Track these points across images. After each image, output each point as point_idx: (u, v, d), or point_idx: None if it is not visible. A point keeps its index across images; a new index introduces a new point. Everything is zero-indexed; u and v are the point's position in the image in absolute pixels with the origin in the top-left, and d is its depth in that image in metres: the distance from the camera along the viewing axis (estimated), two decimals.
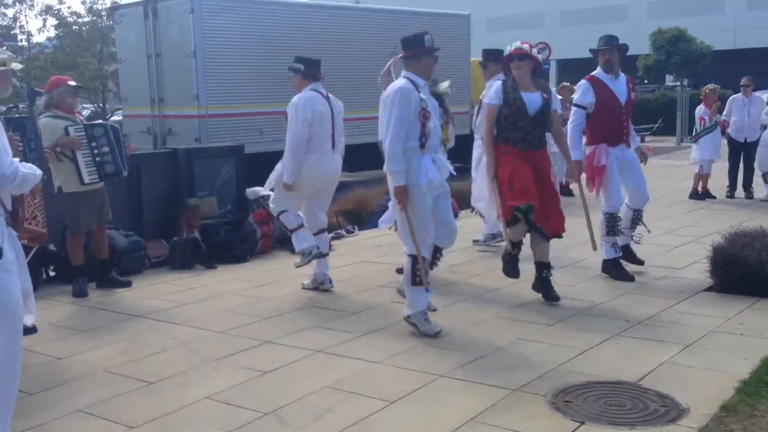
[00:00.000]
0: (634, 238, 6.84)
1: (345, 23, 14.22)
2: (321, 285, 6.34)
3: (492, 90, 5.85)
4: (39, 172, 3.33)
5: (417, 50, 5.02)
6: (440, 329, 5.03)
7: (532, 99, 5.63)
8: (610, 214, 6.51)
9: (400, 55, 5.13)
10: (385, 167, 4.95)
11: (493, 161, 5.72)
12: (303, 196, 6.22)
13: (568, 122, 6.58)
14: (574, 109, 6.54)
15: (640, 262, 6.76)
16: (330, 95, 6.18)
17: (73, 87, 6.40)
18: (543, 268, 5.79)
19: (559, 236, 5.78)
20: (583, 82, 6.54)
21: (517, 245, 5.85)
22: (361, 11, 15.59)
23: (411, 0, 47.51)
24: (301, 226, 6.24)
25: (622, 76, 6.62)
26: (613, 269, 6.53)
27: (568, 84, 12.70)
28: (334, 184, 6.40)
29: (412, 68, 5.04)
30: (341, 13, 14.58)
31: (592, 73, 6.57)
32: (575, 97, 6.68)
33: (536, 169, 5.67)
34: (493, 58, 7.46)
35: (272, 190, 6.45)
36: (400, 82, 4.99)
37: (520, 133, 5.64)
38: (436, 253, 5.75)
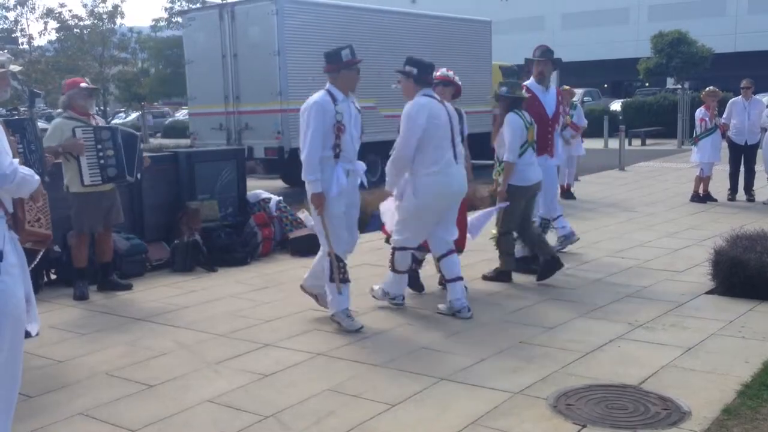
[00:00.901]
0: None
1: (398, 26, 15.43)
2: (458, 313, 5.55)
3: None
4: (38, 177, 3.33)
5: (335, 64, 5.28)
6: (362, 326, 5.30)
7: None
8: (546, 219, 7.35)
9: (323, 69, 5.37)
10: (302, 175, 5.22)
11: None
12: (430, 220, 5.55)
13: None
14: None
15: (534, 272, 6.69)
16: (445, 102, 5.64)
17: (86, 89, 6.44)
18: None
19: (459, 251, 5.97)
20: None
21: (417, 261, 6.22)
22: (411, 16, 16.90)
23: (415, 4, 47.68)
24: (407, 271, 5.78)
25: (553, 88, 7.13)
26: (522, 265, 6.83)
27: (568, 87, 12.71)
28: (459, 201, 5.75)
29: (332, 82, 5.30)
30: (396, 17, 15.85)
31: (525, 83, 6.95)
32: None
33: None
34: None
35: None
36: (316, 96, 5.25)
37: None
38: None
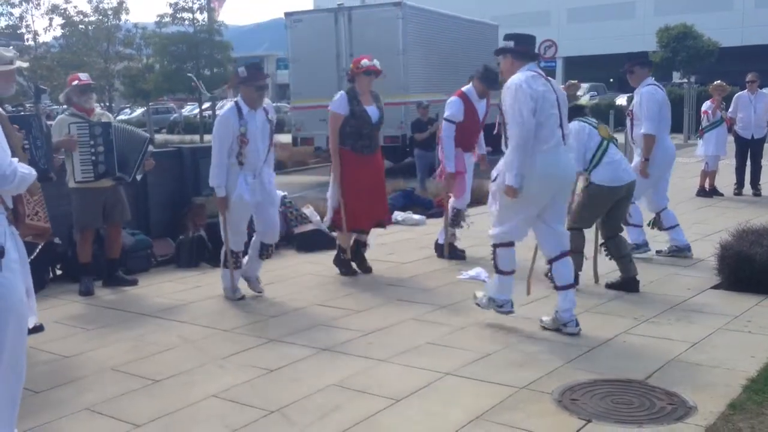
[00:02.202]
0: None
1: (473, 33, 18.38)
2: (565, 327, 4.97)
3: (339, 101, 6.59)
4: (34, 172, 3.33)
5: (238, 79, 5.83)
6: (242, 296, 6.04)
7: (373, 110, 6.60)
8: (458, 210, 7.48)
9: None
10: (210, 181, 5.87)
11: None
12: (534, 208, 4.88)
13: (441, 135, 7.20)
14: (445, 123, 7.16)
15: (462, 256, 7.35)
16: (550, 78, 4.99)
17: (79, 87, 6.39)
18: (361, 245, 6.92)
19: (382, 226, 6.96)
20: (454, 98, 7.20)
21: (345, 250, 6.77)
22: (477, 24, 19.67)
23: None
24: (513, 272, 5.12)
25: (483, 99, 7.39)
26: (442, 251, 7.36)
27: (575, 81, 12.66)
28: (569, 188, 5.20)
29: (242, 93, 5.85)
30: (475, 25, 19.17)
31: (464, 89, 7.26)
32: (446, 112, 7.22)
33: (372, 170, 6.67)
34: (641, 61, 7.31)
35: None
36: (225, 107, 5.92)
37: (365, 139, 6.59)
38: (264, 249, 6.18)
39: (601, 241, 6.31)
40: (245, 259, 6.15)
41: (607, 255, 6.22)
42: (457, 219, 7.46)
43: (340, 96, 6.63)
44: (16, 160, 3.22)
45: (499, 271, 5.10)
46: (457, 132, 7.12)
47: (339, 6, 15.10)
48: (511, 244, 5.04)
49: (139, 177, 6.66)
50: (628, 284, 6.03)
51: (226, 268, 6.07)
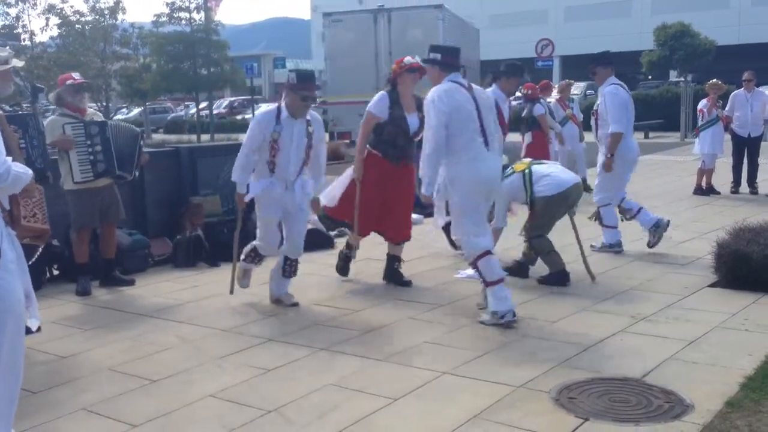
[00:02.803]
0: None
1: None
2: (502, 318, 5.12)
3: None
4: (30, 171, 3.32)
5: (287, 84, 5.54)
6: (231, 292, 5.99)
7: (413, 120, 6.15)
8: None
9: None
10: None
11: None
12: (472, 212, 5.14)
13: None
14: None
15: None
16: (474, 86, 5.35)
17: (73, 86, 6.35)
18: (395, 260, 6.47)
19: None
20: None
21: (352, 248, 6.56)
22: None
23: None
24: (502, 280, 5.15)
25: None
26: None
27: (573, 82, 12.70)
28: (497, 190, 5.54)
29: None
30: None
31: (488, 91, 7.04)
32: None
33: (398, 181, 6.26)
34: (603, 61, 7.47)
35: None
36: (263, 108, 5.75)
37: (398, 149, 6.19)
38: (287, 264, 5.82)
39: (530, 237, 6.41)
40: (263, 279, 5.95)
41: (531, 252, 6.43)
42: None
43: (381, 97, 6.14)
44: (10, 159, 3.21)
45: (488, 284, 5.13)
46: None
47: (379, 7, 16.11)
48: (487, 252, 5.12)
49: (136, 174, 6.65)
50: (558, 277, 6.19)
51: (243, 261, 5.97)
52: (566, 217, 6.44)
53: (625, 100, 7.20)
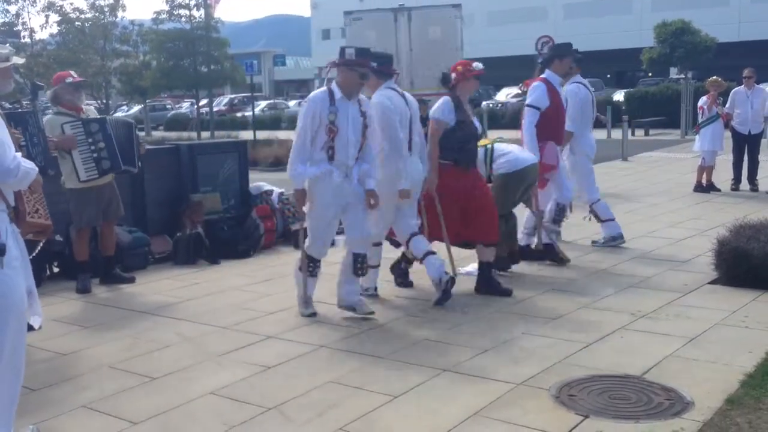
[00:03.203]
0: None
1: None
2: (440, 284, 5.60)
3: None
4: (36, 167, 3.33)
5: (342, 60, 5.28)
6: (313, 312, 5.48)
7: (477, 122, 6.22)
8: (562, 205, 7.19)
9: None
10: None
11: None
12: (393, 207, 5.65)
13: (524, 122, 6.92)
14: (529, 110, 6.81)
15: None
16: (405, 93, 5.76)
17: (72, 84, 6.32)
18: (489, 267, 6.03)
19: (492, 244, 6.01)
20: (538, 83, 6.91)
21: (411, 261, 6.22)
22: None
23: None
24: (432, 252, 5.68)
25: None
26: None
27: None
28: (417, 192, 5.79)
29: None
30: None
31: (543, 75, 6.97)
32: (529, 98, 6.92)
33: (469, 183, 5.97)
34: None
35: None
36: (316, 91, 5.44)
37: (468, 153, 5.99)
38: (356, 261, 5.44)
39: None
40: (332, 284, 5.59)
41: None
42: (560, 215, 7.09)
43: (445, 102, 5.87)
44: (19, 154, 3.22)
45: (425, 255, 5.62)
46: (542, 121, 6.69)
47: (400, 6, 16.49)
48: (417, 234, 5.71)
49: (139, 165, 6.62)
50: (499, 262, 6.26)
51: (300, 272, 5.48)
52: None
53: (584, 99, 7.32)
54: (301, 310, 5.49)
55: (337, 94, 5.22)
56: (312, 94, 5.39)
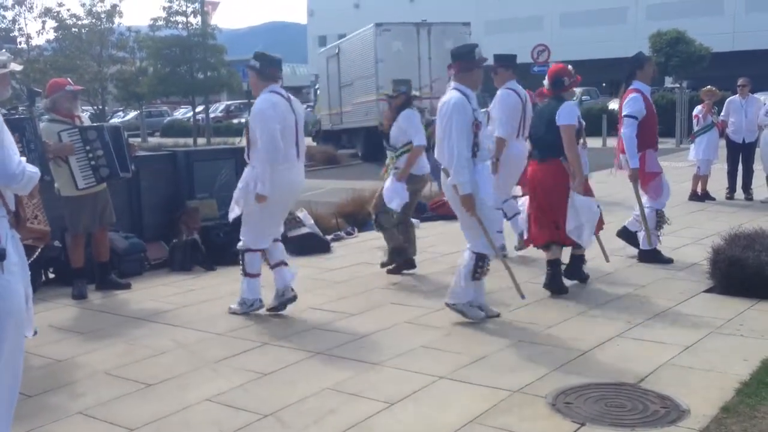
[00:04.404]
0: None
1: None
2: (283, 296, 5.73)
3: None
4: (39, 173, 3.34)
5: (472, 63, 5.30)
6: (486, 314, 5.44)
7: None
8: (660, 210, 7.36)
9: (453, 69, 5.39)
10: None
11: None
12: (278, 215, 5.76)
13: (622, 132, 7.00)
14: (628, 120, 6.92)
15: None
16: (291, 97, 5.66)
17: (71, 92, 6.30)
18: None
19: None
20: (635, 95, 6.95)
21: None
22: None
23: (413, 4, 47.48)
24: (258, 275, 5.74)
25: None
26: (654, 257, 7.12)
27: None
28: (296, 198, 6.11)
29: (461, 81, 5.31)
30: None
31: (634, 86, 7.06)
32: (628, 110, 6.98)
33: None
34: (504, 63, 7.46)
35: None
36: (448, 96, 5.24)
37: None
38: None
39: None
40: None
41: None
42: (661, 221, 7.30)
43: (571, 107, 6.01)
44: (24, 159, 3.23)
45: (246, 274, 5.69)
46: (640, 130, 6.85)
47: (422, 21, 20.26)
48: (259, 250, 5.70)
49: (133, 168, 6.60)
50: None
51: (476, 280, 5.36)
52: None
53: (513, 105, 7.24)
54: (472, 316, 5.39)
55: (470, 93, 5.22)
56: (453, 99, 5.15)
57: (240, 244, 5.77)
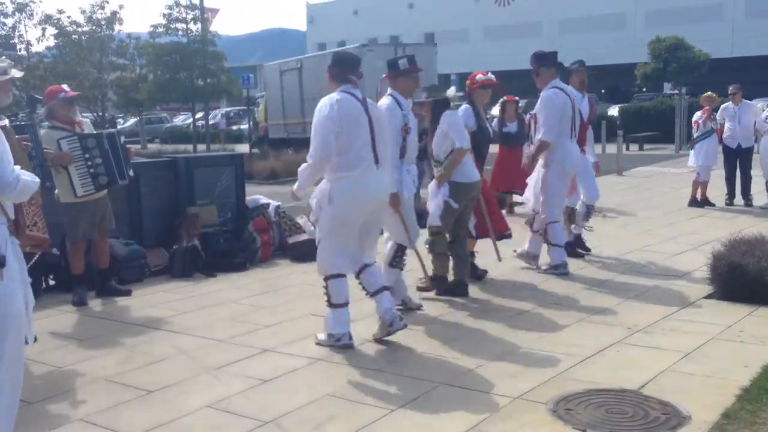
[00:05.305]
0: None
1: None
2: (391, 326, 5.03)
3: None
4: (38, 179, 3.35)
5: (397, 71, 5.71)
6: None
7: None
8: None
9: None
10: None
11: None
12: (353, 231, 5.00)
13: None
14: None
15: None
16: (369, 99, 5.13)
17: (67, 98, 6.29)
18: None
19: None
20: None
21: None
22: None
23: (410, 4, 47.47)
24: (346, 304, 5.03)
25: (587, 96, 8.08)
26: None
27: None
28: (382, 212, 5.27)
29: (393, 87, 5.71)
30: None
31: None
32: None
33: None
34: (545, 62, 7.10)
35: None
36: (382, 101, 5.63)
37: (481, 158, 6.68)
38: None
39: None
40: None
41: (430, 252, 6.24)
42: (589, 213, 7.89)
43: (466, 110, 6.60)
44: (18, 167, 3.23)
45: (332, 305, 5.00)
46: None
47: (398, 42, 25.43)
48: (341, 275, 4.99)
49: (131, 174, 6.60)
50: (458, 288, 6.24)
51: (392, 267, 5.79)
52: None
53: (561, 105, 6.86)
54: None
55: (401, 99, 5.70)
56: (385, 105, 5.59)
57: (321, 268, 5.09)
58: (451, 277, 6.30)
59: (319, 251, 5.07)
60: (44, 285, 6.77)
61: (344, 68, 5.07)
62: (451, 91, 6.42)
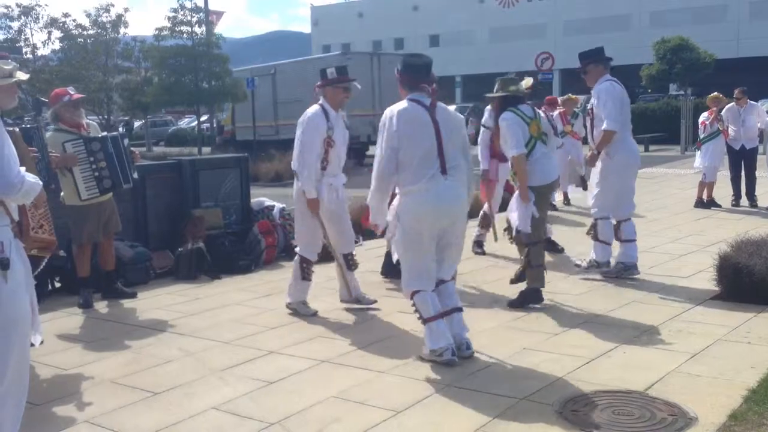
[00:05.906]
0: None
1: None
2: (440, 356, 4.64)
3: None
4: (41, 182, 3.35)
5: (326, 80, 5.81)
6: (315, 312, 5.92)
7: None
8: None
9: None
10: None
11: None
12: (425, 245, 4.65)
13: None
14: (482, 130, 7.64)
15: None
16: (440, 104, 4.77)
17: (71, 101, 6.28)
18: None
19: None
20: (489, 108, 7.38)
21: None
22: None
23: (415, 6, 47.54)
24: (438, 315, 4.67)
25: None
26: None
27: (574, 96, 12.74)
28: (458, 224, 4.79)
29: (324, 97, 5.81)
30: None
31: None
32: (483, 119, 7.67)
33: None
34: (593, 59, 6.85)
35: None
36: (310, 110, 5.75)
37: None
38: (347, 260, 6.06)
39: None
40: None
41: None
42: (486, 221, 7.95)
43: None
44: (23, 169, 3.24)
45: (425, 321, 4.68)
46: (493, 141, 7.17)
47: (375, 51, 27.85)
48: (420, 291, 4.70)
49: (135, 176, 6.60)
50: (532, 295, 5.92)
51: (305, 280, 6.00)
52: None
53: (620, 96, 6.61)
54: (303, 312, 5.98)
55: (330, 111, 5.75)
56: (308, 115, 5.72)
57: (405, 288, 4.82)
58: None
59: (401, 270, 4.80)
60: (50, 287, 6.79)
61: (415, 75, 4.73)
62: (526, 83, 6.12)
